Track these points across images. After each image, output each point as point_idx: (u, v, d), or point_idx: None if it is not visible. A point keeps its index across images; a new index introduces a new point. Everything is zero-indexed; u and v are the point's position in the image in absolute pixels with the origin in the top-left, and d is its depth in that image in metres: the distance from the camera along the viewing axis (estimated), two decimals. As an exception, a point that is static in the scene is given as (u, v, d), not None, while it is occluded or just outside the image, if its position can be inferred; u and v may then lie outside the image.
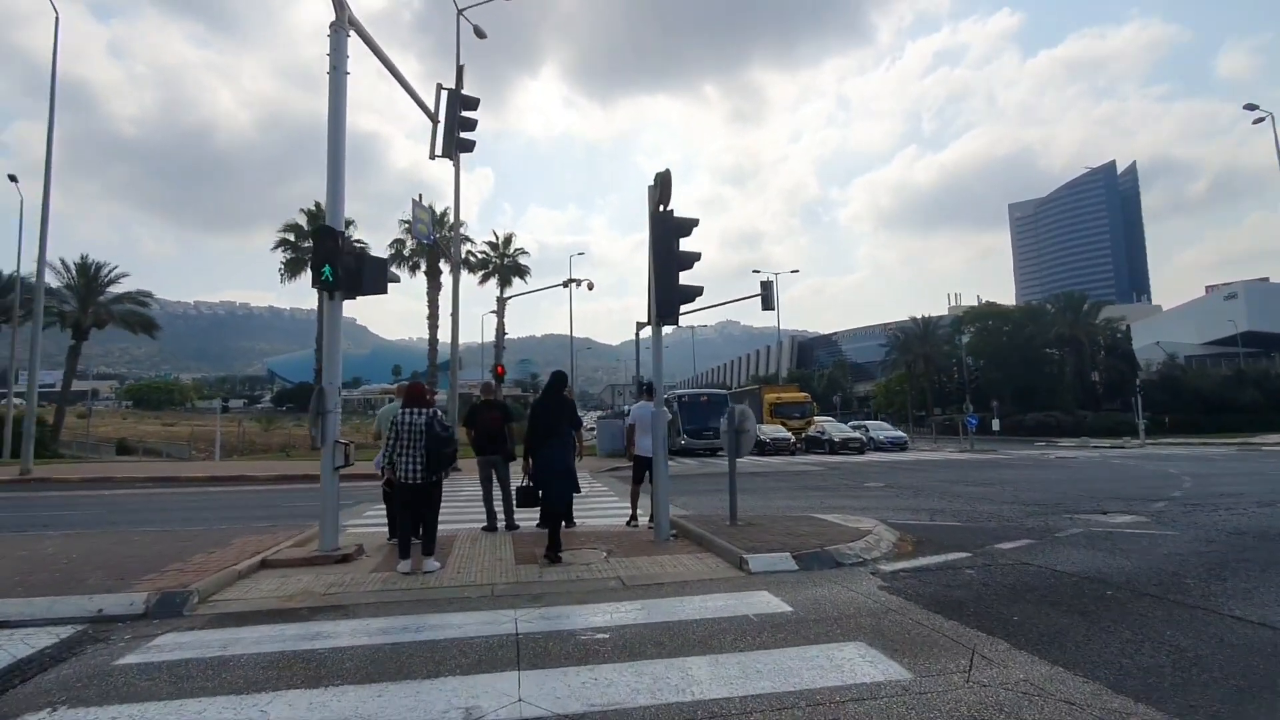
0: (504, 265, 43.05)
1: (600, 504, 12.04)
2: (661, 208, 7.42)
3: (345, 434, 7.73)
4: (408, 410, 6.08)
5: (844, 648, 3.85)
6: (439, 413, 6.19)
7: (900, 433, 34.30)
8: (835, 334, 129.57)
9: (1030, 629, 4.16)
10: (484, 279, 42.90)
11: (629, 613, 4.68)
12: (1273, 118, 29.73)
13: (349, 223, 34.82)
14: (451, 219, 25.17)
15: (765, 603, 4.83)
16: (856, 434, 31.02)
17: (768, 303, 28.22)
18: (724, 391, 33.93)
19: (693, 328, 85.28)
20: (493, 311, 30.59)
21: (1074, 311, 54.61)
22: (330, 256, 6.53)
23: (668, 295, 7.29)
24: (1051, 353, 57.06)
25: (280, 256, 37.36)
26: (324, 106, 6.99)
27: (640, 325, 29.65)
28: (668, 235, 7.36)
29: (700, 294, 7.41)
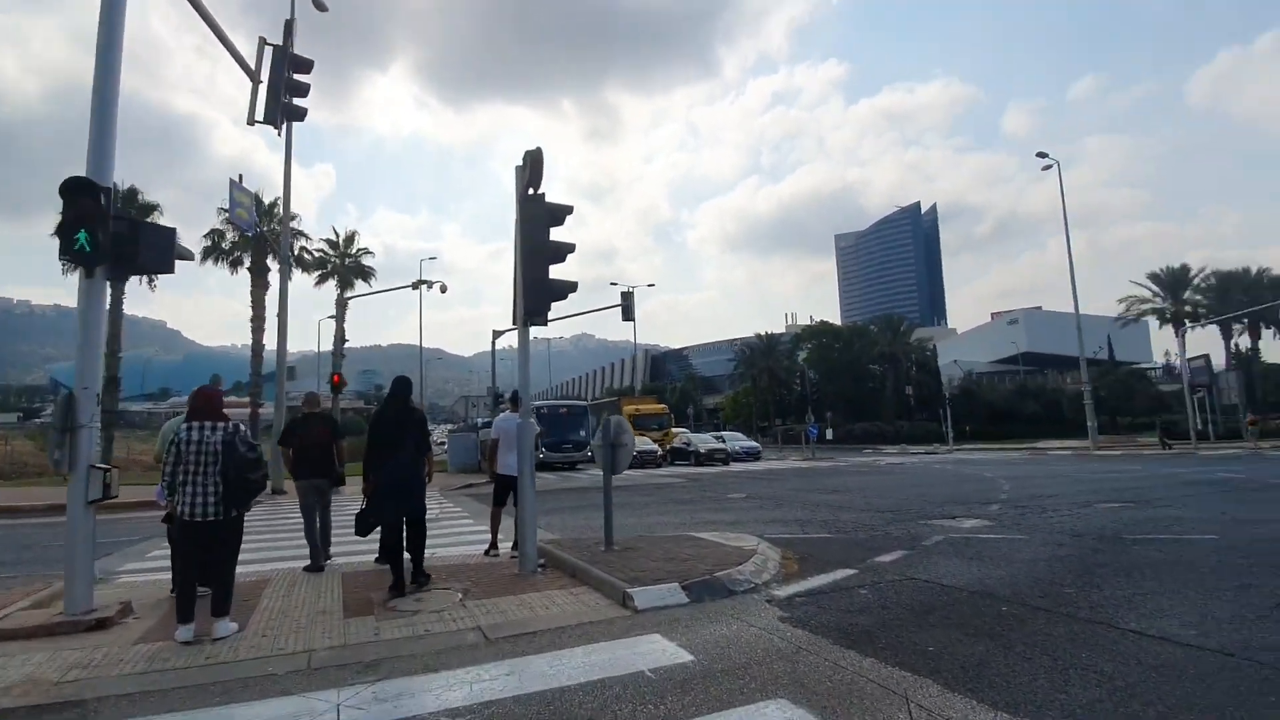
0: (345, 266, 39.15)
1: (453, 528, 10.71)
2: (531, 190, 6.51)
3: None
4: (195, 425, 4.63)
5: (765, 710, 3.17)
6: (241, 428, 4.78)
7: (755, 443, 35.44)
8: (686, 348, 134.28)
9: (950, 661, 3.76)
10: (321, 280, 38.74)
11: (495, 680, 3.68)
12: (1058, 165, 34.70)
13: (152, 207, 29.84)
14: (281, 210, 22.18)
15: (661, 651, 4.06)
16: (722, 445, 31.38)
17: (628, 313, 28.04)
18: (584, 403, 33.39)
19: (549, 340, 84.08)
20: (331, 316, 27.22)
21: (893, 332, 60.55)
22: (86, 219, 4.88)
23: (537, 290, 6.38)
24: (874, 368, 62.87)
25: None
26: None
27: (498, 333, 28.19)
28: (537, 222, 6.46)
29: (574, 290, 6.58)
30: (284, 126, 11.23)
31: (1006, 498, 12.47)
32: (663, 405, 41.70)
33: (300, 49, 12.94)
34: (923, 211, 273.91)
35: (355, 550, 7.81)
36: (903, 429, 54.49)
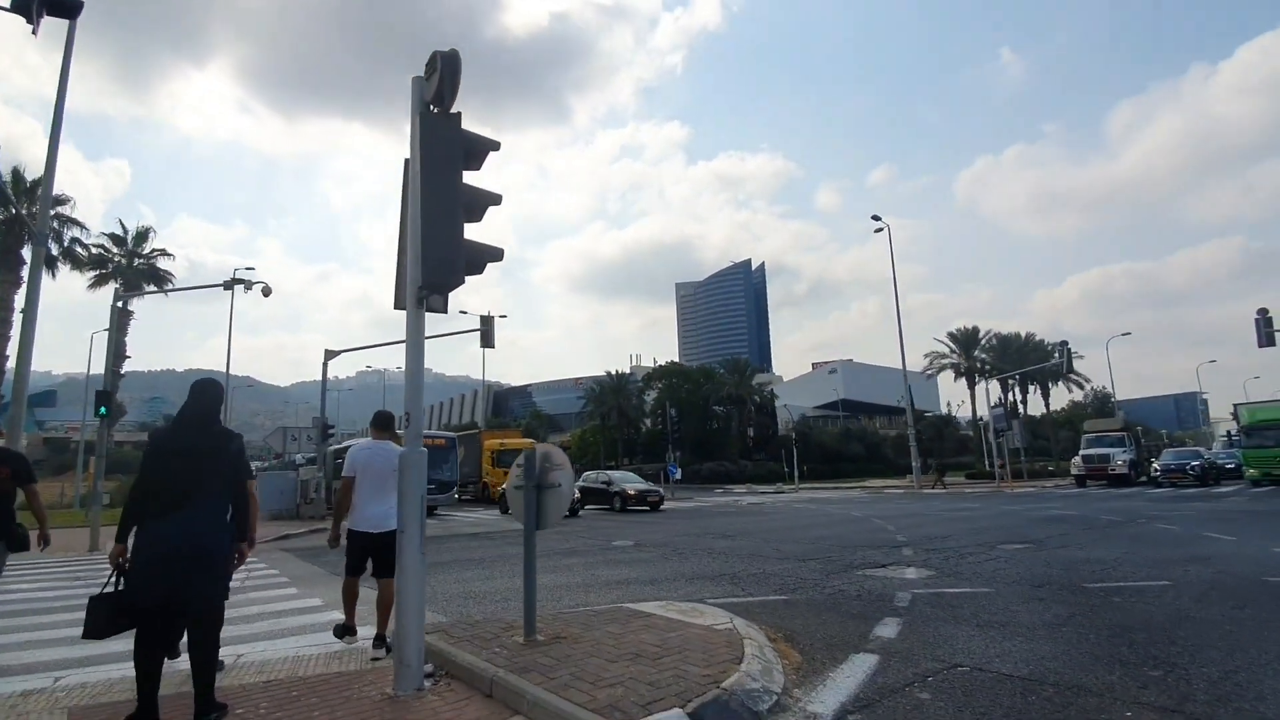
0: (132, 267, 32.39)
1: (273, 604, 7.72)
2: (438, 108, 4.41)
3: None
4: None
5: None
6: None
7: (649, 484, 31.14)
8: (530, 385, 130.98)
9: None
10: (99, 282, 31.65)
11: None
12: (888, 228, 37.75)
13: None
14: (45, 189, 16.42)
15: None
16: (655, 487, 25.92)
17: (487, 339, 25.38)
18: (451, 435, 27.84)
19: (384, 370, 77.29)
20: (106, 330, 20.61)
21: (740, 374, 62.76)
22: None
23: (442, 250, 4.24)
24: (719, 409, 64.61)
25: None
26: None
27: (330, 354, 24.08)
28: (449, 150, 4.36)
29: (500, 257, 4.53)
30: (40, 20, 7.83)
31: (907, 540, 11.86)
32: (530, 440, 37.34)
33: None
34: (753, 268, 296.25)
35: (94, 655, 4.90)
36: (746, 469, 55.92)
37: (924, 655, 4.63)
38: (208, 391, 3.84)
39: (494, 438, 35.11)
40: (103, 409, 14.52)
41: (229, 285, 16.43)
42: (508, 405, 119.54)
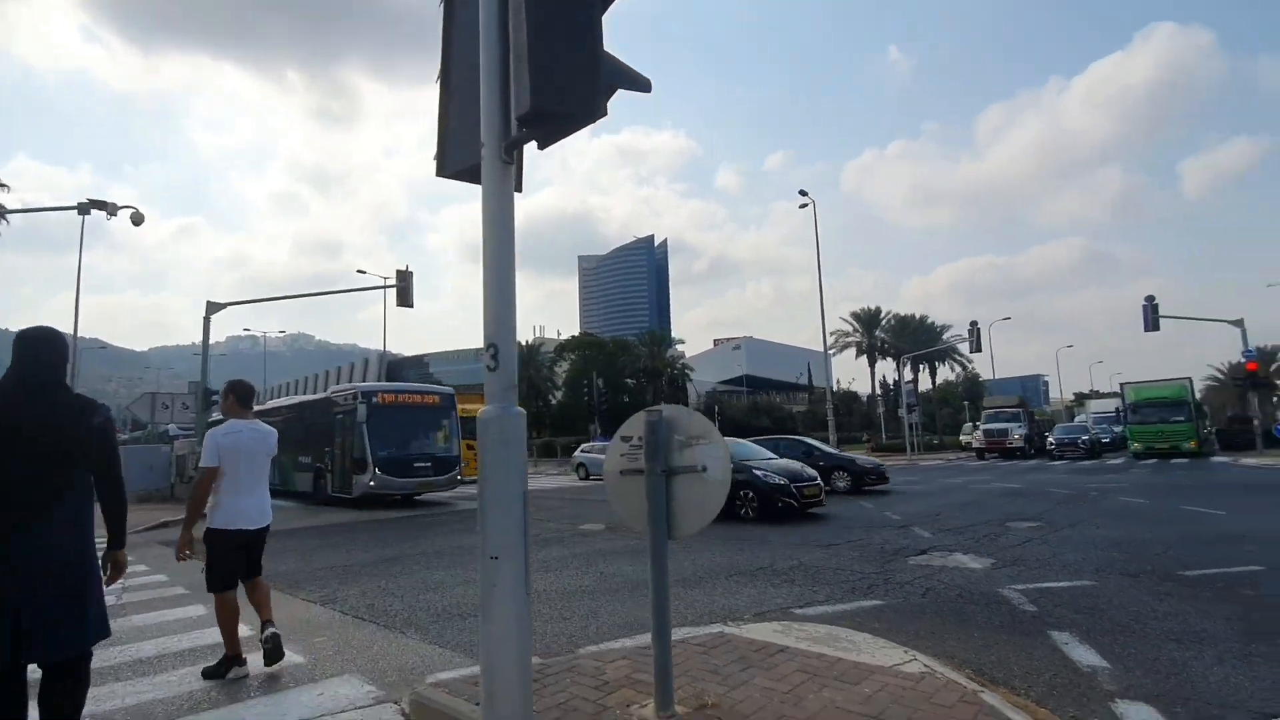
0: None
1: (169, 632, 5.48)
2: None
3: None
4: None
5: None
6: None
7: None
8: (427, 355, 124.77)
9: None
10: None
11: None
12: (814, 204, 37.62)
13: None
14: None
15: None
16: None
17: (405, 297, 22.50)
18: (448, 390, 19.10)
19: (264, 335, 70.22)
20: None
21: (656, 346, 61.96)
22: None
23: (579, 48, 2.39)
24: (631, 382, 63.70)
25: None
26: None
27: (215, 306, 20.25)
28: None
29: (648, 88, 2.73)
30: None
31: (902, 519, 11.03)
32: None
33: None
34: (656, 244, 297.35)
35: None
36: (661, 442, 55.48)
37: (1209, 703, 3.40)
38: (46, 346, 2.67)
39: (470, 402, 31.26)
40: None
41: (85, 209, 12.78)
42: (403, 376, 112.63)
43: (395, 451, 15.75)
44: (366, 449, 15.24)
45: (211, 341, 19.47)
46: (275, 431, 4.60)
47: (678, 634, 4.18)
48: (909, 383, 42.99)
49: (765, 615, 5.18)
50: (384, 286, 25.96)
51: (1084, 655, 4.08)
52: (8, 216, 28.18)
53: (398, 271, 22.67)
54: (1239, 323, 30.01)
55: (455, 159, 2.84)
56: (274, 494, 14.52)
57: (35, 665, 2.50)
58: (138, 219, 13.88)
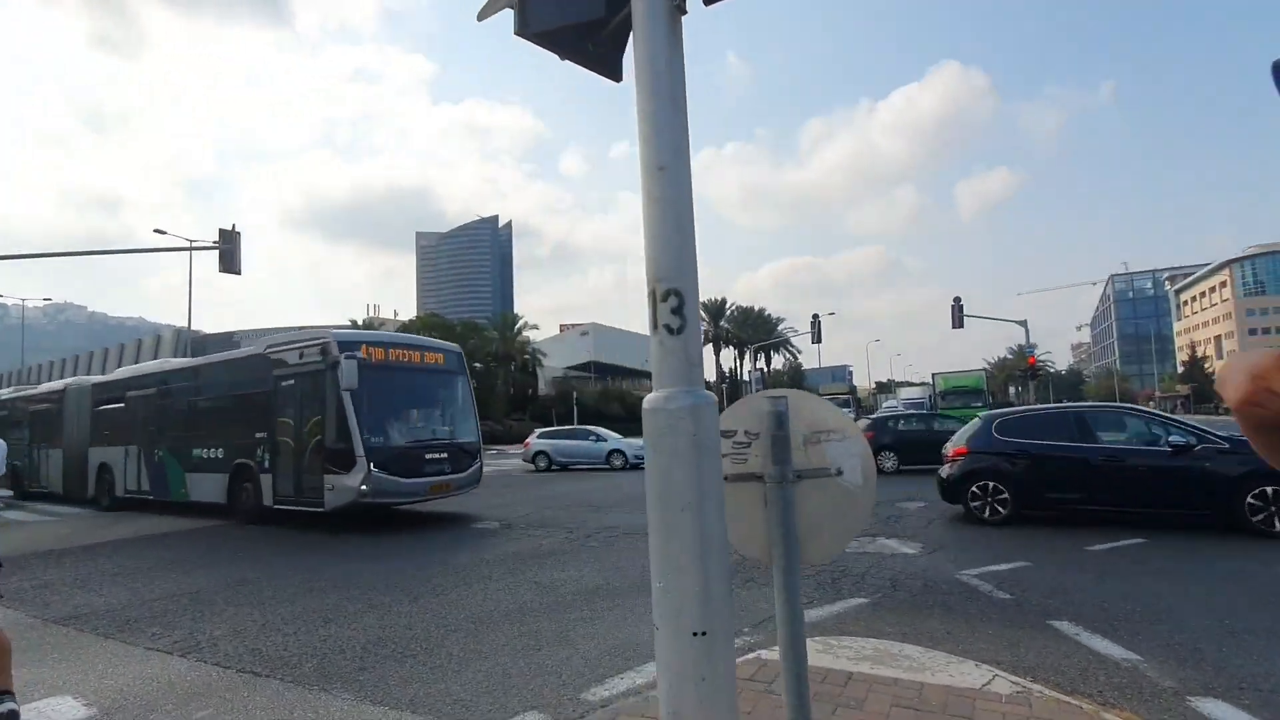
0: None
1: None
2: None
3: None
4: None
5: None
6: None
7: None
8: (238, 333, 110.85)
9: None
10: None
11: None
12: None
13: None
14: None
15: None
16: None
17: (229, 261, 19.16)
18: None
19: (23, 302, 57.15)
20: None
21: (509, 330, 59.87)
22: None
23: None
24: (479, 366, 61.19)
25: None
26: None
27: None
28: None
29: None
30: None
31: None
32: None
33: None
34: (499, 225, 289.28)
35: None
36: (513, 429, 53.76)
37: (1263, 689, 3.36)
38: None
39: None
40: None
41: None
42: (207, 354, 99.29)
43: (397, 437, 10.45)
44: (353, 433, 9.64)
45: None
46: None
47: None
48: (758, 370, 45.36)
49: (762, 625, 4.64)
50: (198, 248, 22.06)
51: (1108, 648, 4.01)
52: None
53: (221, 231, 19.26)
54: (1024, 323, 35.30)
55: (551, 7, 1.85)
56: (125, 504, 10.78)
57: None
58: None
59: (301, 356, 10.75)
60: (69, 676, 4.26)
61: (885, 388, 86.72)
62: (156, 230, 30.01)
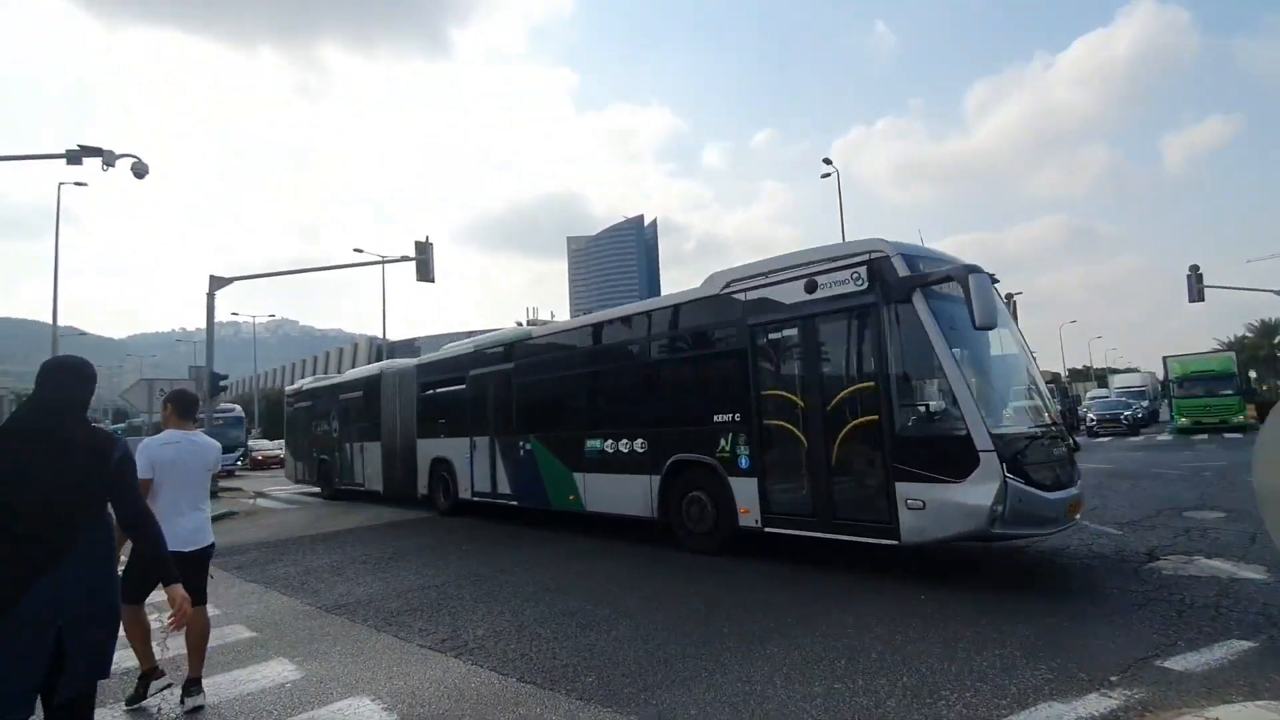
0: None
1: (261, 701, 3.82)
2: None
3: None
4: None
5: None
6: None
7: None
8: (417, 339, 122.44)
9: None
10: None
11: None
12: (838, 173, 35.91)
13: None
14: None
15: None
16: None
17: (425, 270, 20.67)
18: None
19: (253, 319, 67.20)
20: None
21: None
22: None
23: None
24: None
25: None
26: None
27: (219, 282, 18.32)
28: None
29: None
30: None
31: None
32: None
33: None
34: (645, 224, 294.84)
35: None
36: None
37: None
38: (70, 377, 2.57)
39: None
40: None
41: (75, 157, 10.68)
42: (393, 359, 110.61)
43: (1018, 418, 6.37)
44: (967, 412, 5.58)
45: (193, 328, 17.75)
46: (217, 445, 4.30)
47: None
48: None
49: (1139, 677, 3.62)
50: (392, 260, 24.05)
51: None
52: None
53: (417, 243, 20.81)
54: (1281, 292, 29.08)
55: None
56: (470, 508, 10.54)
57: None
58: (140, 170, 11.76)
59: (814, 289, 6.68)
60: (359, 674, 4.27)
61: (1083, 375, 76.19)
62: (355, 249, 33.41)
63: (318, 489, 17.36)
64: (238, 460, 29.85)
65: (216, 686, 4.16)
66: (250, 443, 34.89)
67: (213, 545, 4.14)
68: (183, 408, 4.17)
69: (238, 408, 33.92)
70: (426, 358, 14.41)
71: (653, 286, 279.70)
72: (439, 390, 12.51)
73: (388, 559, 8.27)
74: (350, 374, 17.45)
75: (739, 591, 5.88)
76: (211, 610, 6.09)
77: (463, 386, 11.73)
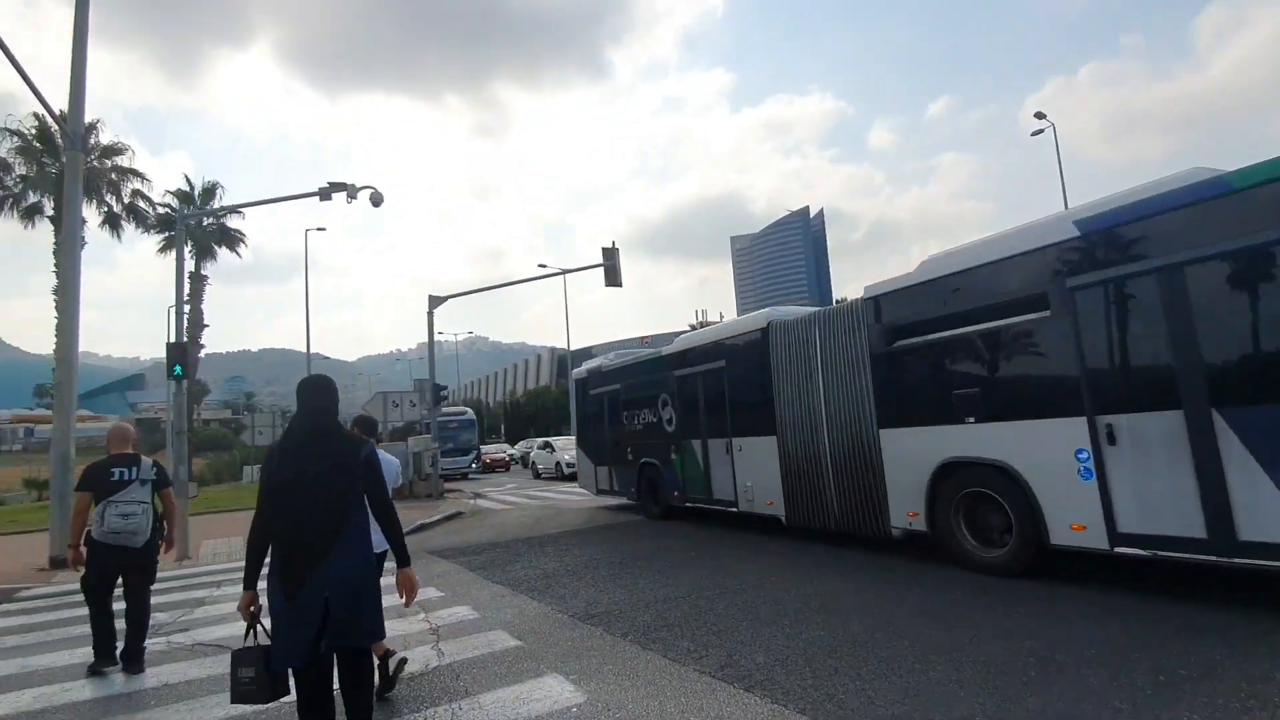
0: (202, 227, 29.44)
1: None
2: None
3: None
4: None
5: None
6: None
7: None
8: (592, 347, 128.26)
9: None
10: (169, 245, 28.67)
11: None
12: (1054, 127, 31.38)
13: None
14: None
15: None
16: None
17: (613, 275, 21.07)
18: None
19: (457, 339, 74.70)
20: (187, 301, 15.75)
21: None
22: None
23: None
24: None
25: None
26: None
27: (436, 300, 20.08)
28: None
29: None
30: None
31: None
32: None
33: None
34: (811, 216, 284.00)
35: None
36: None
37: None
38: (325, 393, 3.09)
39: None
40: (177, 368, 10.73)
41: (326, 194, 12.37)
42: (571, 369, 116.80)
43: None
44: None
45: (405, 348, 19.54)
46: (396, 462, 4.71)
47: None
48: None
49: None
50: (577, 270, 24.94)
51: None
52: (243, 244, 31.06)
53: (604, 250, 21.30)
54: None
55: None
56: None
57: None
58: (377, 199, 13.27)
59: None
60: (647, 704, 3.81)
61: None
62: (540, 265, 35.27)
63: (632, 503, 12.84)
64: (472, 463, 29.44)
65: (500, 703, 3.93)
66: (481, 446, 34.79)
67: (386, 553, 3.98)
68: (366, 429, 4.58)
69: (469, 410, 33.22)
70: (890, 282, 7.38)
71: (821, 279, 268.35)
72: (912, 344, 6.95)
73: (619, 564, 8.01)
74: (700, 334, 11.18)
75: (1078, 629, 4.68)
76: (471, 613, 6.17)
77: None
